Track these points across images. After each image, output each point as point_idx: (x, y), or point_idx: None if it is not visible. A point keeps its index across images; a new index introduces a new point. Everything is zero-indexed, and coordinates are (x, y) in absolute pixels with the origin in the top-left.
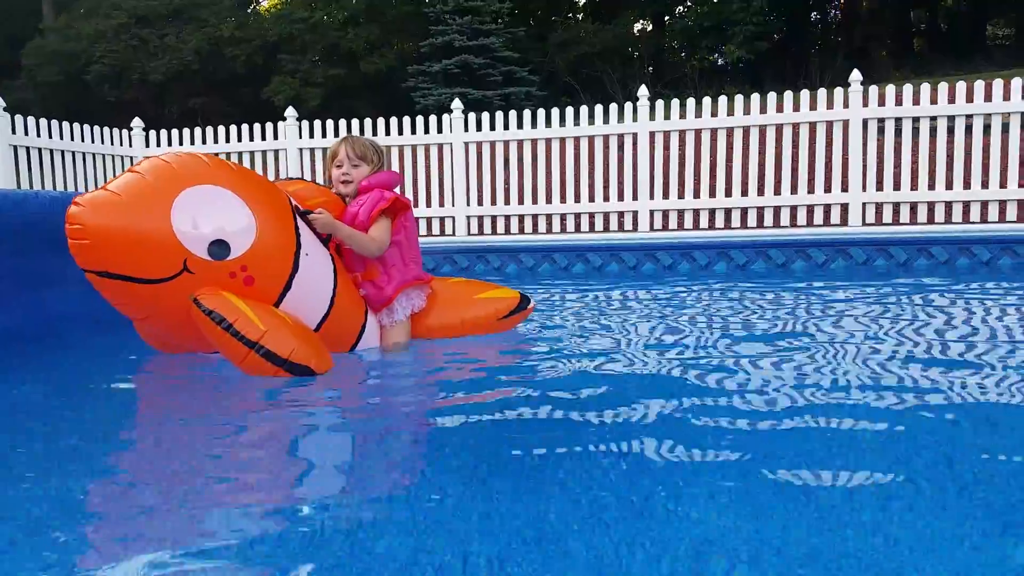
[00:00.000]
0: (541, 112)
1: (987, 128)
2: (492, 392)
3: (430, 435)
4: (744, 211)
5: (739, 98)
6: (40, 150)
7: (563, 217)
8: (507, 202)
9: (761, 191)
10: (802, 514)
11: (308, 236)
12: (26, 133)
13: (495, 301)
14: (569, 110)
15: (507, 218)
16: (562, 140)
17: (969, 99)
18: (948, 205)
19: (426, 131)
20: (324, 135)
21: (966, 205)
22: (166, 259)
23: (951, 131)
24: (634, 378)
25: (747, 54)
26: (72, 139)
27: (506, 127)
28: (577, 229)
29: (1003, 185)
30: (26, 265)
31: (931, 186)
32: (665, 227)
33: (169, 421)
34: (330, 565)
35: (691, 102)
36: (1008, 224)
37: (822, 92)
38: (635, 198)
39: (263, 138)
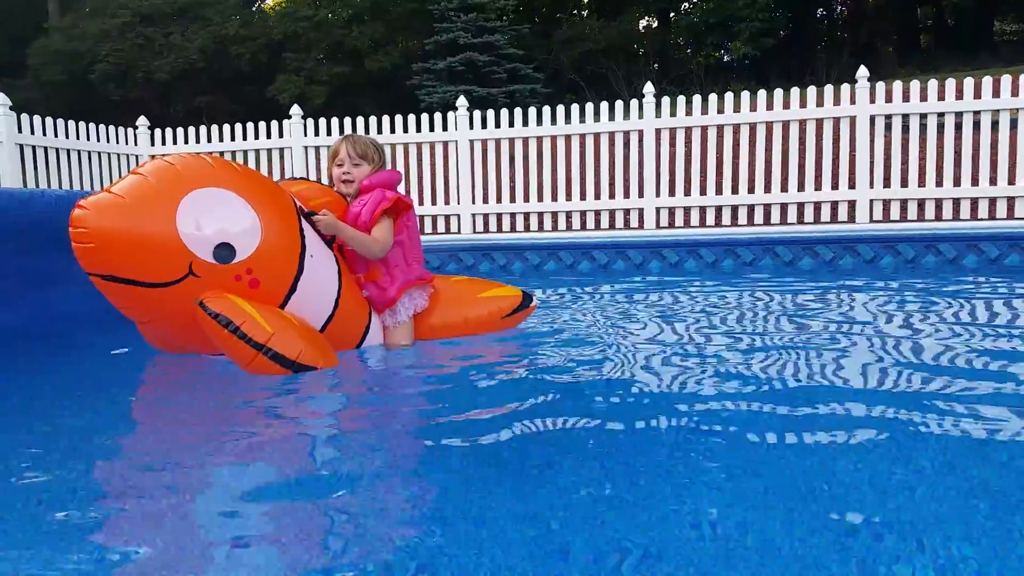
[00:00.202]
0: (546, 109)
1: (995, 124)
2: (494, 392)
3: (431, 435)
4: (751, 208)
5: (745, 95)
6: (46, 149)
7: (569, 215)
8: (512, 200)
9: (768, 188)
10: (804, 514)
11: (312, 237)
12: (32, 132)
13: (498, 300)
14: (575, 107)
15: (512, 216)
16: (567, 137)
17: (977, 95)
18: (956, 202)
19: (431, 128)
20: (329, 133)
21: (974, 202)
22: (172, 263)
23: (959, 127)
24: (638, 377)
25: (753, 51)
26: (78, 138)
27: (511, 124)
28: (583, 226)
29: (1012, 182)
30: (32, 264)
31: (939, 183)
32: (671, 224)
33: (172, 420)
34: (330, 565)
35: (697, 99)
36: (1017, 221)
37: (829, 88)
38: (641, 195)
39: (268, 136)
